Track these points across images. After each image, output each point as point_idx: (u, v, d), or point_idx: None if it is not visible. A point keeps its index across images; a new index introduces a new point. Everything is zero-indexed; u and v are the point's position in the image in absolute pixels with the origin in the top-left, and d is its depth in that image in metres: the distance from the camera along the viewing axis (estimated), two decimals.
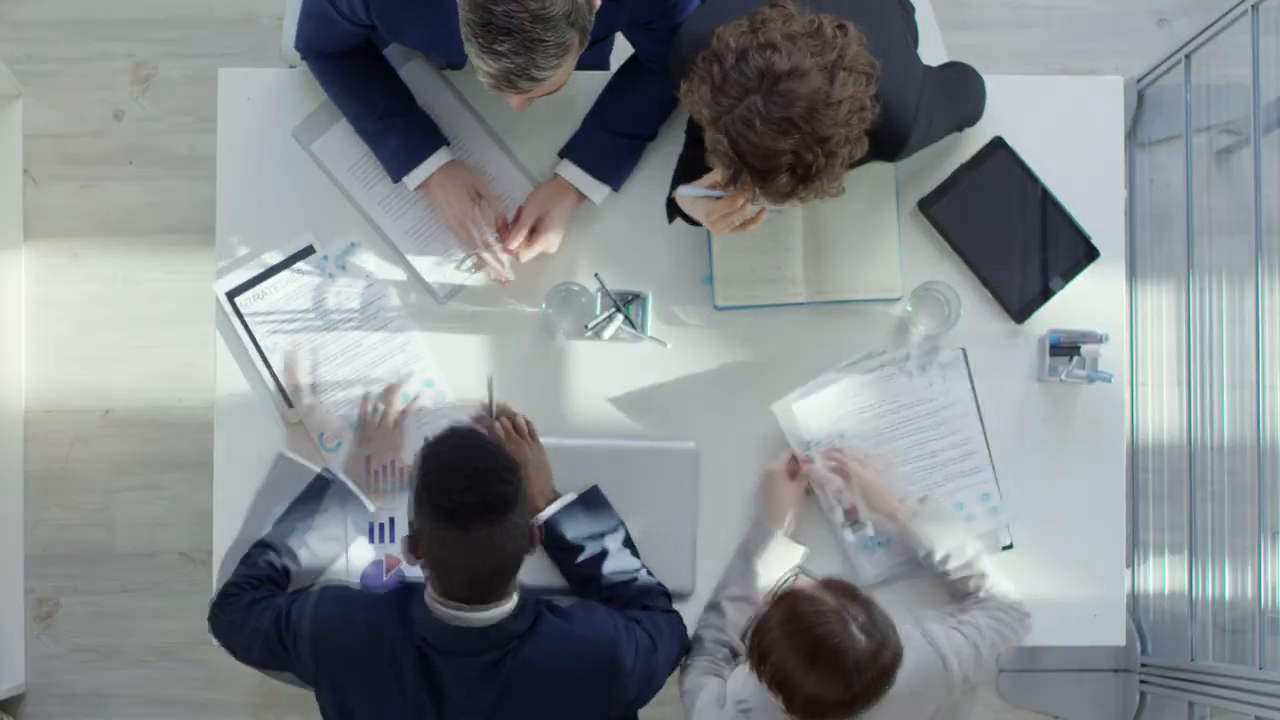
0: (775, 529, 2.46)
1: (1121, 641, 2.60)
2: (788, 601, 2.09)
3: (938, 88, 2.33)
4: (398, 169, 2.51)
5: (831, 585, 2.10)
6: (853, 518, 2.51)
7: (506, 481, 2.11)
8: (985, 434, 2.56)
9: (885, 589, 2.50)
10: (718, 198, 2.27)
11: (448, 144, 2.52)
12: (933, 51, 2.72)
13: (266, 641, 2.30)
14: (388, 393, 2.54)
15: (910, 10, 2.56)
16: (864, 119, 2.11)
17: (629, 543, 2.47)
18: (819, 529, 2.53)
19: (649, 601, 2.41)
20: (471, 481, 2.08)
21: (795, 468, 2.51)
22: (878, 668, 2.03)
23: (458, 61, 2.49)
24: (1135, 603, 3.24)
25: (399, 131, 2.49)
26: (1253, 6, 2.79)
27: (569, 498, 2.46)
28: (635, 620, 2.33)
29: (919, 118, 2.25)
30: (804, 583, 2.16)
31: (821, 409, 2.55)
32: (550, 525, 2.44)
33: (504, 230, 2.53)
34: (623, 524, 2.48)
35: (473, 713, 2.22)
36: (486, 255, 2.51)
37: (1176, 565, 3.20)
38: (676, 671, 2.40)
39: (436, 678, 2.21)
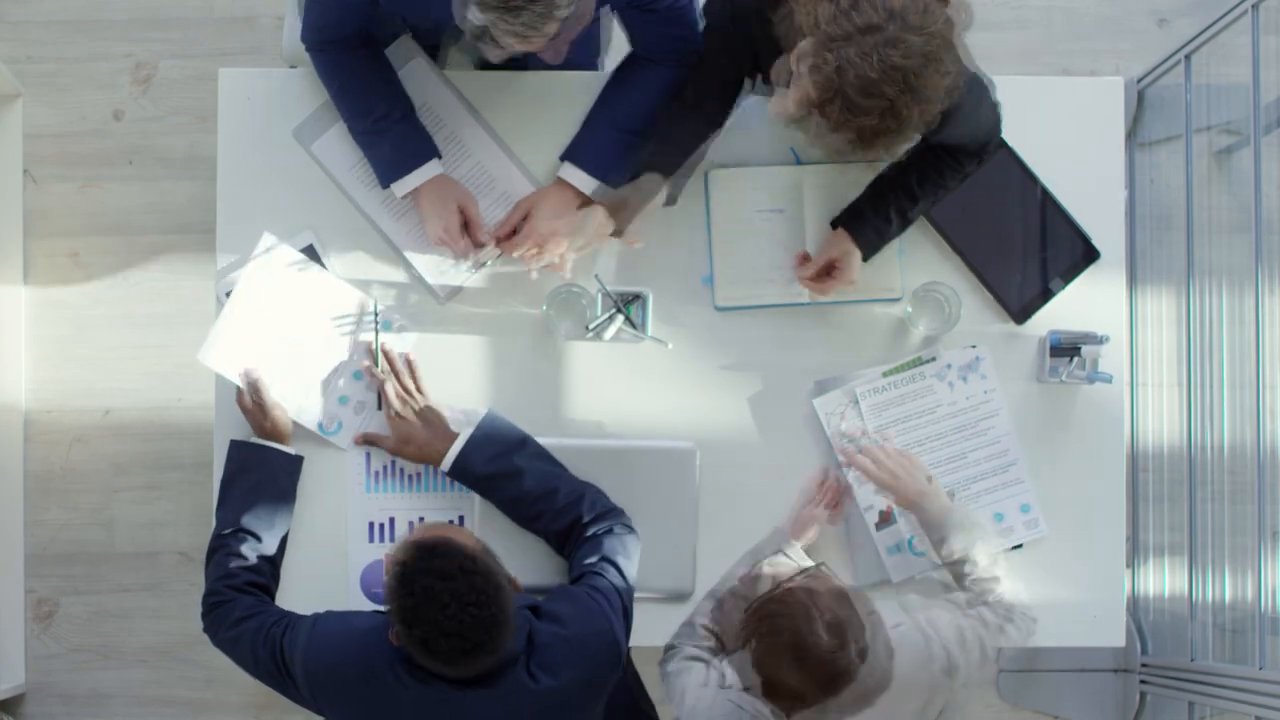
0: (793, 541, 2.46)
1: (1121, 642, 2.60)
2: (774, 596, 2.11)
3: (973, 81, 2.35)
4: (388, 175, 2.51)
5: (816, 582, 2.12)
6: (887, 519, 2.52)
7: (502, 615, 2.09)
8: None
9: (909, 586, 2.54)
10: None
11: (440, 156, 2.52)
12: None
13: (268, 669, 2.31)
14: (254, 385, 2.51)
15: None
16: (950, 95, 2.12)
17: (541, 454, 2.47)
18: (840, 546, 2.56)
19: (582, 513, 2.41)
20: (475, 643, 2.08)
21: (829, 495, 2.53)
22: (836, 667, 2.05)
23: (445, 23, 2.44)
24: (1135, 603, 3.24)
25: (394, 138, 2.49)
26: (1253, 6, 2.79)
27: (465, 434, 2.45)
28: (598, 574, 2.32)
29: (968, 97, 2.26)
30: (816, 577, 2.17)
31: (859, 416, 2.55)
32: (459, 465, 2.44)
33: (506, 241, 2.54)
34: (529, 438, 2.47)
35: None
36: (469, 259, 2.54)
37: (1176, 566, 3.20)
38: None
39: (451, 707, 2.20)
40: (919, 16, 2.04)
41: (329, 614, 2.31)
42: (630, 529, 2.44)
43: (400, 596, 2.07)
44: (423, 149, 2.50)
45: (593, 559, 2.35)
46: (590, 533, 2.40)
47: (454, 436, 2.46)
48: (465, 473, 2.45)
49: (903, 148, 2.18)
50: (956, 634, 2.30)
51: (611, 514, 2.43)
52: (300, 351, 2.54)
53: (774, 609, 2.09)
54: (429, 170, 2.50)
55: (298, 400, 2.53)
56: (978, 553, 2.40)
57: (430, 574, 2.06)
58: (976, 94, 2.29)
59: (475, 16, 2.07)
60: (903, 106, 2.06)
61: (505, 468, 2.43)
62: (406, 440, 2.48)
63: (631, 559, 2.40)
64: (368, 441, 2.52)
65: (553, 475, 2.45)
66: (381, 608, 2.50)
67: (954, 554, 2.40)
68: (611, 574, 2.33)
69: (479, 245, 2.53)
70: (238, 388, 2.49)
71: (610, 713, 2.37)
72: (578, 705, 2.25)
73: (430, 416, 2.49)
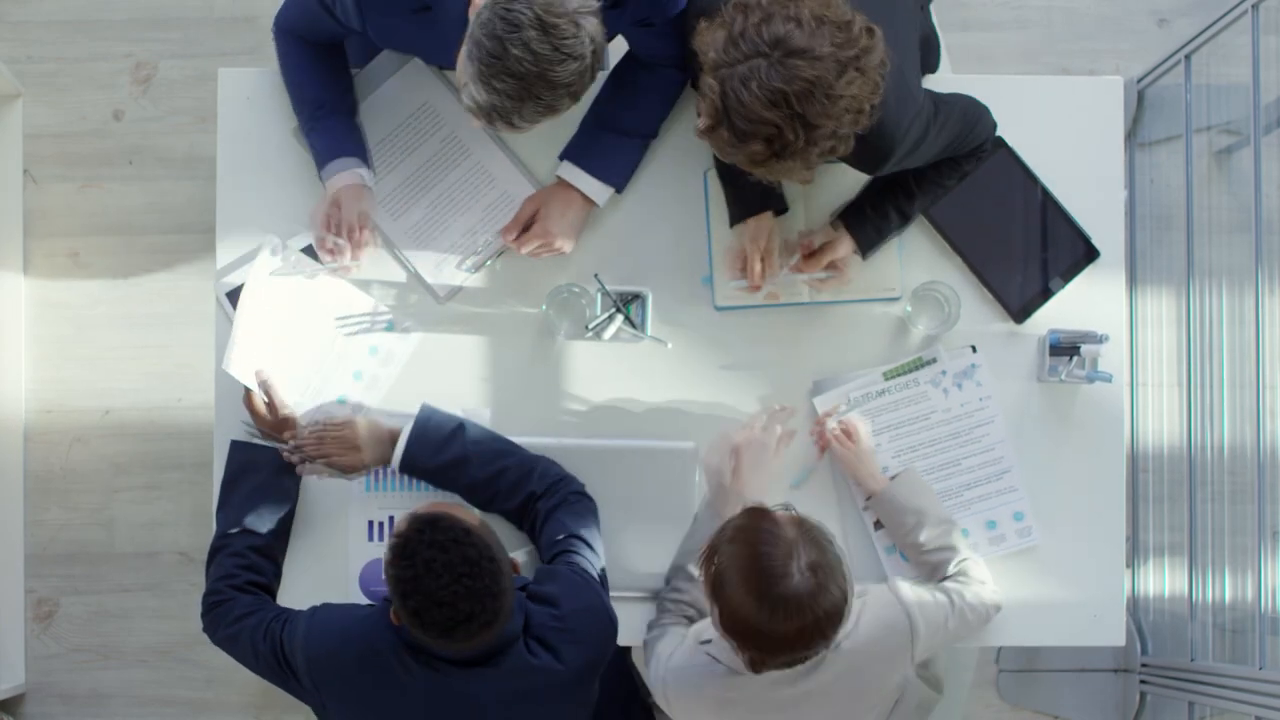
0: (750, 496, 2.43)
1: (1121, 642, 2.60)
2: (752, 517, 2.10)
3: (936, 115, 2.33)
4: (319, 163, 2.52)
5: (799, 522, 2.10)
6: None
7: (495, 586, 2.08)
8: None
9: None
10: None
11: (372, 168, 2.53)
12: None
13: (268, 664, 2.31)
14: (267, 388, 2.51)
15: (934, 46, 2.56)
16: (858, 121, 2.10)
17: (482, 436, 2.46)
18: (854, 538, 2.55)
19: (533, 488, 2.41)
20: (467, 614, 2.07)
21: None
22: (812, 613, 2.03)
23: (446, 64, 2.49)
24: (1135, 603, 3.24)
25: (331, 130, 2.50)
26: (1253, 6, 2.79)
27: (407, 430, 2.44)
28: (572, 551, 2.34)
29: (906, 139, 2.26)
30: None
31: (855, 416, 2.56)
32: (406, 461, 2.44)
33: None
34: (466, 421, 2.47)
35: None
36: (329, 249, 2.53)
37: (1176, 565, 3.20)
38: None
39: (455, 688, 2.20)
40: (806, 41, 2.02)
41: (327, 605, 2.32)
42: (583, 495, 2.45)
43: (398, 567, 2.08)
44: (354, 150, 2.51)
45: (560, 535, 2.37)
46: (547, 506, 2.40)
47: (395, 431, 2.46)
48: (415, 467, 2.46)
49: (813, 169, 2.14)
50: (930, 603, 2.33)
51: (562, 483, 2.44)
52: (299, 351, 2.54)
53: (757, 526, 2.07)
54: (346, 179, 2.49)
55: (296, 399, 2.53)
56: (931, 518, 2.45)
57: (426, 545, 2.06)
58: (920, 128, 2.27)
59: (477, 95, 2.10)
60: (788, 129, 2.04)
61: (452, 456, 2.43)
62: (351, 450, 2.46)
63: (594, 528, 2.41)
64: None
65: (499, 454, 2.45)
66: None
67: (931, 540, 2.44)
68: (583, 548, 2.35)
69: (344, 243, 2.52)
70: (246, 389, 2.49)
71: (611, 704, 2.37)
72: (579, 683, 2.26)
73: (355, 431, 2.47)
